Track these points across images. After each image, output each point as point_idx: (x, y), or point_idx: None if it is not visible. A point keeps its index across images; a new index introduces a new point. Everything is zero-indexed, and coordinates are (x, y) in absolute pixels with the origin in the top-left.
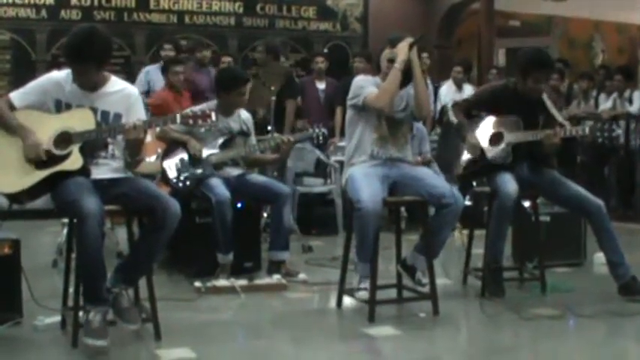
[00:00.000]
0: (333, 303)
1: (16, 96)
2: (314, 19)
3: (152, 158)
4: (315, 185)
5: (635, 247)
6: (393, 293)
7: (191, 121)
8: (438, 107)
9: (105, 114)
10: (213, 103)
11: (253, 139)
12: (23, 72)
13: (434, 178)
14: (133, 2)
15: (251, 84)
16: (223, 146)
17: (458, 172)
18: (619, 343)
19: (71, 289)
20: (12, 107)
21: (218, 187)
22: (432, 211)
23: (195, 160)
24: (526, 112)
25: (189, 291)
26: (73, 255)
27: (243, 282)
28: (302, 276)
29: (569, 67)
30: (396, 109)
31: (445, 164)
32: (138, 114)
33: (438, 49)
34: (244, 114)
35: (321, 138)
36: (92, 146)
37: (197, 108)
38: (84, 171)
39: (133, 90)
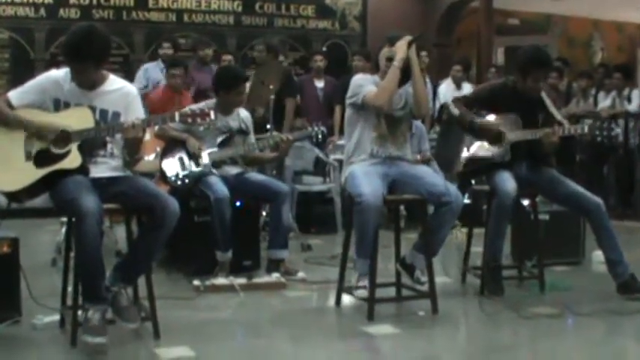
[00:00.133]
0: (332, 301)
1: (14, 95)
2: (313, 18)
3: (151, 157)
4: (314, 184)
5: (634, 245)
6: (392, 292)
7: (190, 120)
8: (437, 105)
9: (103, 112)
10: (212, 101)
11: (252, 137)
12: (22, 71)
13: (433, 177)
14: (131, 1)
15: (249, 83)
16: (222, 145)
17: (457, 171)
18: (618, 341)
19: (70, 288)
20: (10, 106)
21: (217, 185)
22: (431, 209)
23: (194, 158)
24: (525, 111)
25: (188, 289)
26: (72, 254)
27: (242, 280)
28: (301, 274)
29: (569, 66)
30: (394, 107)
31: (444, 162)
32: (136, 112)
33: (437, 47)
34: (243, 112)
35: (320, 136)
36: (91, 145)
37: (196, 106)
38: (82, 169)
39: (131, 88)
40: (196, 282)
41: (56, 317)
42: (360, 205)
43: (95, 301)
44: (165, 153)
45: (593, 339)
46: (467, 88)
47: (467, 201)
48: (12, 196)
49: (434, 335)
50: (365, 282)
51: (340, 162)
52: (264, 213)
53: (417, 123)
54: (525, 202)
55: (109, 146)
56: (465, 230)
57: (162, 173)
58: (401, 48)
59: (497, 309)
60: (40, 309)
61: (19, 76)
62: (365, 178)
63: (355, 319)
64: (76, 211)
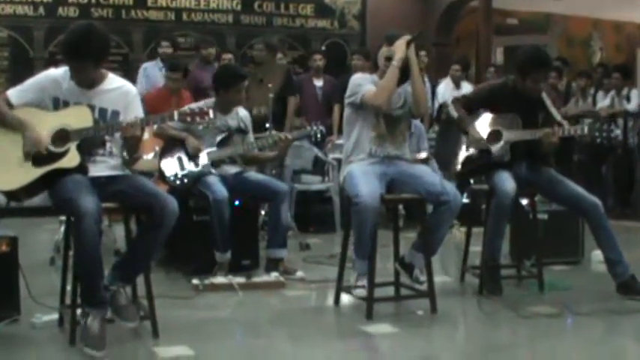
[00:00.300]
0: (330, 300)
1: (13, 93)
2: (312, 17)
3: (150, 156)
4: (313, 183)
5: (633, 245)
6: (390, 291)
7: (189, 119)
8: (436, 105)
9: (102, 111)
10: (211, 100)
11: (251, 136)
12: (21, 69)
13: (432, 176)
14: None
15: (248, 82)
16: (221, 144)
17: (456, 170)
18: (617, 341)
19: (69, 287)
20: (9, 105)
21: (216, 184)
22: (429, 208)
23: (193, 157)
24: (525, 111)
25: (186, 289)
26: (71, 253)
27: (240, 280)
28: (300, 274)
29: (568, 66)
30: (393, 106)
31: (443, 162)
32: (135, 111)
33: (436, 46)
34: (242, 111)
35: (318, 136)
36: (90, 144)
37: (195, 105)
38: (81, 168)
39: (130, 87)
40: (195, 281)
41: (55, 316)
42: (357, 205)
43: (94, 305)
44: (164, 153)
45: (592, 338)
46: (466, 88)
47: (466, 200)
48: (11, 195)
49: (433, 334)
50: (364, 281)
51: (339, 161)
52: (262, 212)
53: (416, 122)
54: (524, 202)
55: (107, 145)
56: (463, 230)
57: (161, 173)
58: (400, 47)
59: (496, 308)
60: (39, 308)
61: (18, 75)
62: (363, 178)
63: (354, 318)
64: (74, 211)
